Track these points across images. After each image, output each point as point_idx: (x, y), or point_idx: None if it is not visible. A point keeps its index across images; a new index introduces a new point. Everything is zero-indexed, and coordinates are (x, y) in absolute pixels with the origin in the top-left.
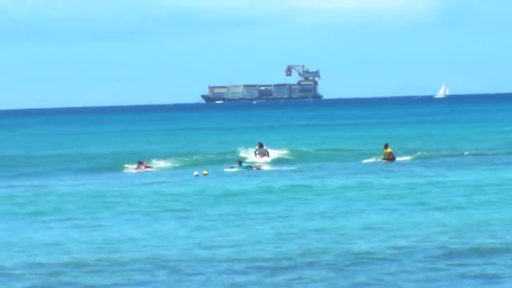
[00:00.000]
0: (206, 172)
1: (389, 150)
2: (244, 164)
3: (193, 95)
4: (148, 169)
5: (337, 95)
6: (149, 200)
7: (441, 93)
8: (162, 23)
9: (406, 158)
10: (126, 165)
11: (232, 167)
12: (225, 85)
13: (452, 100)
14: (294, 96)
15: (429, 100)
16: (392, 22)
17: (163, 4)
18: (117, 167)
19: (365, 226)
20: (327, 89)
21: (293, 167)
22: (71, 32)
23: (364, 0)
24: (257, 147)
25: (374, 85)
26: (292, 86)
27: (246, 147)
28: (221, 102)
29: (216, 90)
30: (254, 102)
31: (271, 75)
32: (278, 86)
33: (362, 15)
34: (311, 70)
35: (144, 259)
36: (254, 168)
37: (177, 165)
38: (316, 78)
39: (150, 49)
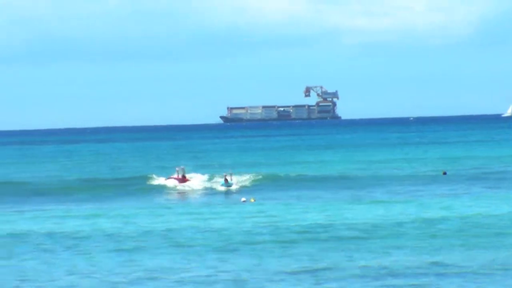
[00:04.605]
0: (253, 200)
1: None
2: (230, 182)
3: (212, 116)
4: (187, 182)
5: (357, 116)
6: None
7: (509, 112)
8: (183, 45)
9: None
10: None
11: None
12: (243, 106)
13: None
14: (313, 116)
15: (496, 119)
16: (429, 41)
17: (185, 27)
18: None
19: None
20: (348, 110)
21: None
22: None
23: (400, 19)
24: None
25: (405, 105)
26: (310, 107)
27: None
28: (239, 123)
29: (234, 111)
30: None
31: (290, 96)
32: (296, 107)
33: (398, 34)
34: (329, 91)
35: None
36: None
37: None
38: (335, 99)
39: (171, 70)
